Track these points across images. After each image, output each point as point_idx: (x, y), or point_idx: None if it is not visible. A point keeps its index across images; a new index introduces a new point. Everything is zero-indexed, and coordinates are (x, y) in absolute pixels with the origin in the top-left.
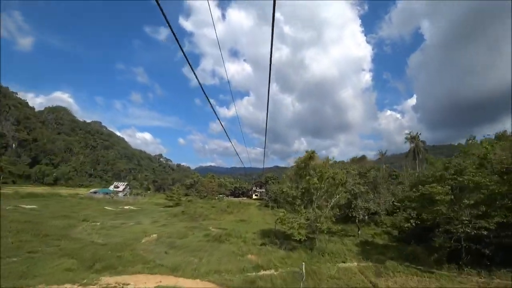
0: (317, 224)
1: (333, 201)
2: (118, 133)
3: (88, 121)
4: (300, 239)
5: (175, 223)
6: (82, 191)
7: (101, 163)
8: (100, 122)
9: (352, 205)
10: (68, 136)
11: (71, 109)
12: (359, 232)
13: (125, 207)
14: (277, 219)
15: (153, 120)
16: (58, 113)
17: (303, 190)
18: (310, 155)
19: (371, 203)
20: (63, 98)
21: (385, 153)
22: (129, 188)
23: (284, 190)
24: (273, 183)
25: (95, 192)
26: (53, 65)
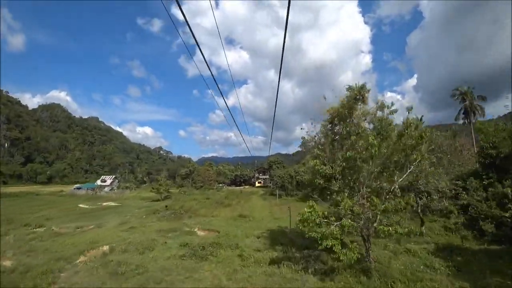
0: (381, 227)
1: (401, 177)
2: (118, 129)
3: (85, 117)
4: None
5: (150, 224)
6: (69, 188)
7: (98, 158)
8: (97, 118)
9: (418, 185)
10: (64, 133)
11: (68, 107)
12: (424, 228)
13: (104, 203)
14: (300, 219)
15: (153, 113)
16: (52, 110)
17: (344, 164)
18: (359, 92)
19: (441, 181)
20: (60, 96)
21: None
22: (118, 182)
23: (308, 165)
24: (277, 167)
25: (79, 188)
26: (47, 63)
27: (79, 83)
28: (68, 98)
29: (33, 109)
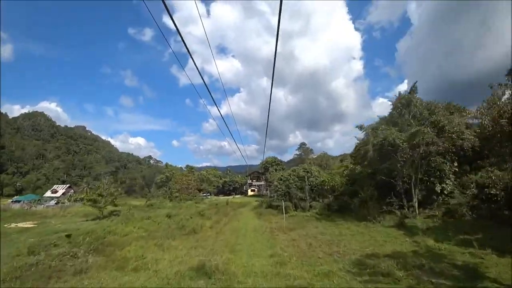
0: None
1: None
2: (110, 139)
3: (71, 126)
4: None
5: None
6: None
7: (78, 168)
8: (84, 127)
9: None
10: (47, 142)
11: (58, 118)
12: None
13: (19, 224)
14: None
15: (145, 124)
16: (35, 119)
17: None
18: None
19: None
20: (50, 107)
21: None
22: (73, 193)
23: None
24: (276, 170)
25: (18, 201)
26: (36, 74)
27: (70, 94)
28: (59, 109)
29: (14, 118)
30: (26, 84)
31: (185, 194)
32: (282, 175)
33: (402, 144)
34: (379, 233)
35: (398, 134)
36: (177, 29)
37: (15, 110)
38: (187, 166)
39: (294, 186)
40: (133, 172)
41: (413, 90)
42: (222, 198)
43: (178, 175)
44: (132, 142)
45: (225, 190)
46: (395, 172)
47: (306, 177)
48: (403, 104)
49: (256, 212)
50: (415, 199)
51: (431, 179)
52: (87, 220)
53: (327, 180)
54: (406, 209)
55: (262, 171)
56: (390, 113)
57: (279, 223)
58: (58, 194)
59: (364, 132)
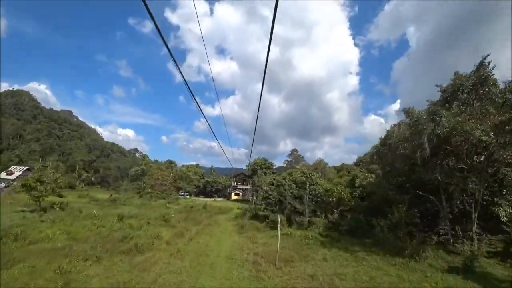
0: None
1: None
2: (99, 128)
3: (57, 109)
4: None
5: None
6: None
7: (56, 152)
8: (71, 112)
9: None
10: (29, 123)
11: (47, 101)
12: None
13: None
14: None
15: (136, 117)
16: (19, 97)
17: None
18: None
19: None
20: (39, 89)
21: None
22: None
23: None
24: (265, 173)
25: None
26: (28, 54)
27: (62, 78)
28: (48, 91)
29: None
30: (17, 63)
31: (159, 192)
32: (274, 179)
33: (491, 141)
34: (437, 284)
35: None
36: (159, 31)
37: (2, 89)
38: (168, 160)
39: (290, 194)
40: (108, 161)
41: (484, 65)
42: (201, 200)
43: (154, 169)
44: (120, 134)
45: (206, 191)
46: (451, 184)
47: (306, 183)
48: (474, 82)
49: (237, 223)
50: (474, 227)
51: (497, 199)
52: (22, 211)
53: (335, 190)
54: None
55: (250, 173)
56: (446, 96)
57: (268, 246)
58: (13, 177)
59: (409, 121)
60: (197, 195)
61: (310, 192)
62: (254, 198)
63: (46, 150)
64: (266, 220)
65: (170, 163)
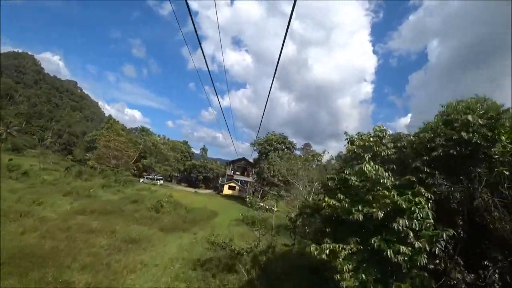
0: None
1: None
2: (106, 106)
3: (62, 78)
4: None
5: None
6: None
7: (44, 118)
8: (75, 82)
9: None
10: (30, 87)
11: (59, 73)
12: None
13: None
14: None
15: (144, 98)
16: (22, 60)
17: None
18: None
19: None
20: (52, 60)
21: None
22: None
23: None
24: (280, 157)
25: None
26: (44, 22)
27: (75, 51)
28: (61, 63)
29: None
30: (32, 31)
31: (110, 168)
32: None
33: None
34: None
35: None
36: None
37: (4, 50)
38: (141, 128)
39: None
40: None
41: None
42: (178, 189)
43: (106, 134)
44: (127, 113)
45: (191, 178)
46: None
47: None
48: None
49: None
50: None
51: None
52: None
53: None
54: None
55: (258, 158)
56: None
57: None
58: None
59: None
60: (179, 182)
61: None
62: (258, 199)
63: (34, 114)
64: None
65: (142, 130)
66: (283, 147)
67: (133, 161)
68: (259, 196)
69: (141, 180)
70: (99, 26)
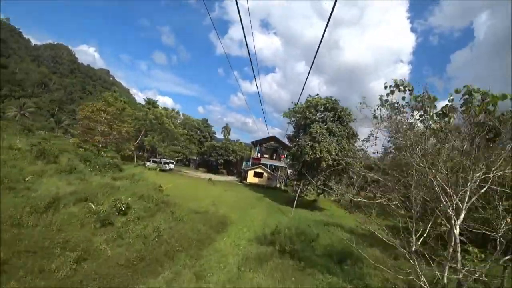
0: None
1: None
2: (140, 94)
3: (95, 67)
4: None
5: None
6: None
7: (74, 104)
8: (108, 71)
9: None
10: (66, 77)
11: (95, 64)
12: None
13: None
14: None
15: (175, 85)
16: (58, 50)
17: None
18: None
19: None
20: (88, 52)
21: None
22: None
23: None
24: (330, 132)
25: None
26: (76, 15)
27: (109, 42)
28: (96, 54)
29: (36, 45)
30: (68, 25)
31: (97, 147)
32: None
33: None
34: None
35: None
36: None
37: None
38: (147, 100)
39: None
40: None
41: None
42: (191, 175)
43: (93, 104)
44: (159, 100)
45: (211, 162)
46: None
47: None
48: None
49: None
50: None
51: None
52: None
53: None
54: None
55: (294, 135)
56: None
57: None
58: None
59: None
60: (197, 166)
61: None
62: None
63: (66, 101)
64: None
65: (149, 103)
66: (335, 114)
67: (133, 139)
68: (299, 187)
69: (147, 164)
70: (130, 16)
